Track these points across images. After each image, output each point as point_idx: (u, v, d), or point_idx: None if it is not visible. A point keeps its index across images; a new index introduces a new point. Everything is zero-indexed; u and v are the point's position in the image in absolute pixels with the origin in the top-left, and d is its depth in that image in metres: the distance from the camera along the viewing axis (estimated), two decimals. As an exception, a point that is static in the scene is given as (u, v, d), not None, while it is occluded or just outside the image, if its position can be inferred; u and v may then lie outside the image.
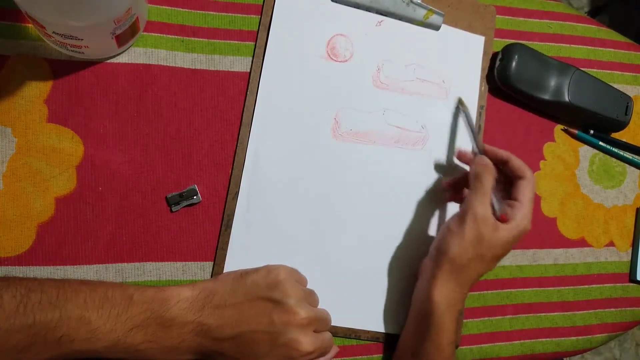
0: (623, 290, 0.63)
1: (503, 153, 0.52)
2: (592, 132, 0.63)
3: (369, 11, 0.55)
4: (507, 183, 0.53)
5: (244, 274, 0.47)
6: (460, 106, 0.56)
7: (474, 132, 0.54)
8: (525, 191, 0.50)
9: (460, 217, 0.48)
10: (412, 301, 0.53)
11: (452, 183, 0.56)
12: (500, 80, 0.58)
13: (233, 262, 0.50)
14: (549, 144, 0.62)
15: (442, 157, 0.57)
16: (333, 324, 0.51)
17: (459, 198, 0.56)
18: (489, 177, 0.49)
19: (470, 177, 0.50)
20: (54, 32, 0.42)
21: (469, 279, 0.49)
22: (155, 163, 0.50)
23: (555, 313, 0.60)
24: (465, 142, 0.58)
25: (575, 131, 0.63)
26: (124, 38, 0.46)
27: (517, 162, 0.52)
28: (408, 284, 0.54)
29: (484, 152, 0.52)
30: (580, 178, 0.63)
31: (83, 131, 0.48)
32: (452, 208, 0.57)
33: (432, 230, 0.56)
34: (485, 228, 0.47)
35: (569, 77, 0.59)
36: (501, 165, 0.52)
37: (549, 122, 0.62)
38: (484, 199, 0.48)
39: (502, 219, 0.48)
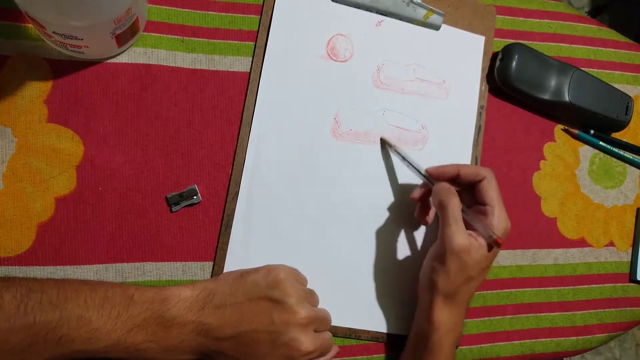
0: (623, 290, 0.63)
1: (450, 168, 0.50)
2: (592, 132, 0.63)
3: (369, 11, 0.55)
4: (469, 192, 0.51)
5: (244, 274, 0.47)
6: (387, 146, 0.54)
7: (416, 166, 0.51)
8: (489, 191, 0.49)
9: (440, 254, 0.47)
10: (412, 323, 0.52)
11: (421, 196, 0.52)
12: (500, 80, 0.58)
13: (233, 262, 0.50)
14: (549, 144, 0.62)
15: (442, 157, 0.57)
16: (333, 324, 0.52)
17: (425, 217, 0.54)
18: (454, 201, 0.47)
19: (436, 208, 0.49)
20: (54, 32, 0.42)
21: (464, 299, 0.49)
22: (155, 163, 0.50)
23: (555, 313, 0.60)
24: (463, 142, 0.58)
25: (576, 131, 0.62)
26: (124, 38, 0.46)
27: (468, 169, 0.50)
28: (408, 283, 0.54)
29: (432, 177, 0.50)
30: (580, 178, 0.63)
31: (83, 131, 0.48)
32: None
33: (432, 230, 0.56)
34: (467, 256, 0.46)
35: (569, 77, 0.59)
36: (457, 179, 0.51)
37: (549, 122, 0.62)
38: (457, 228, 0.46)
39: (497, 242, 0.46)
